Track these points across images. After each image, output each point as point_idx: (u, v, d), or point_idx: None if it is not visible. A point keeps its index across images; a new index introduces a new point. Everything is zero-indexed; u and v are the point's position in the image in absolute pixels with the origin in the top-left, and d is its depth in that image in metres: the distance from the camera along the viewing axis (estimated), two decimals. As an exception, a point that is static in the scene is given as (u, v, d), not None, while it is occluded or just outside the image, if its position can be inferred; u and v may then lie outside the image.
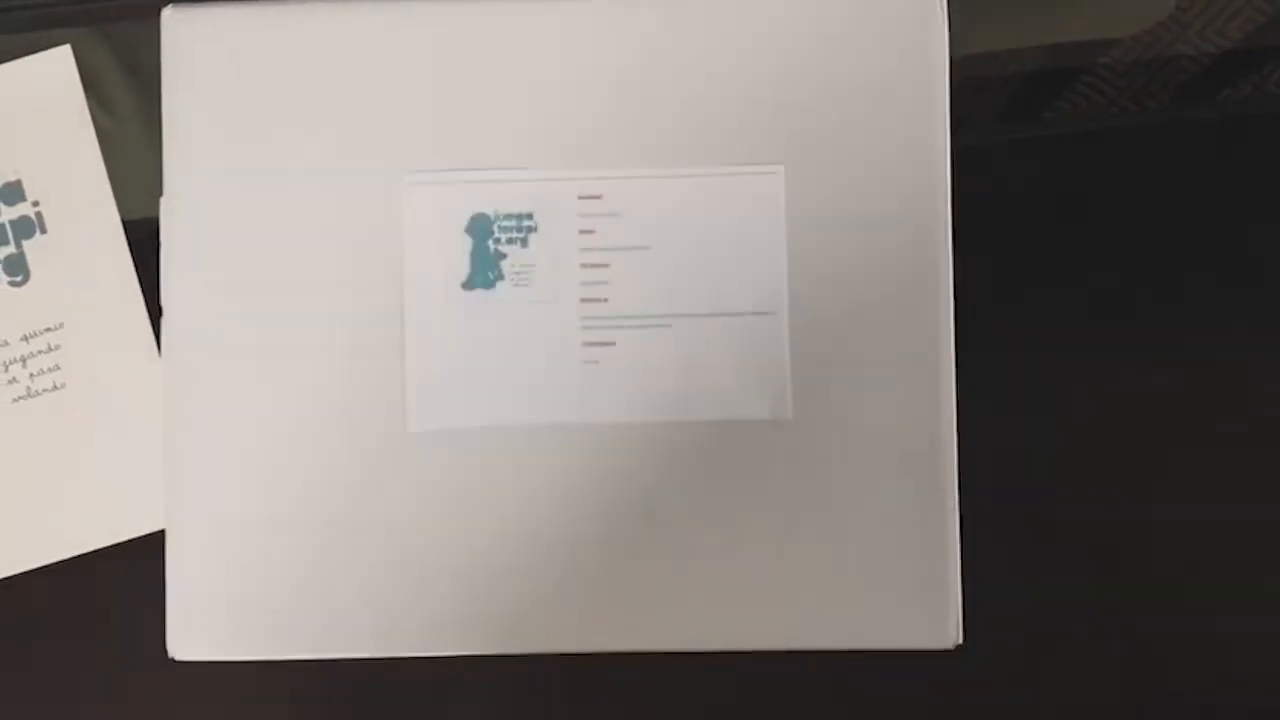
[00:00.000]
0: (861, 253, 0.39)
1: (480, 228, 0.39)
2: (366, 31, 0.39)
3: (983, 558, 0.38)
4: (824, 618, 0.39)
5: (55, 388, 0.42)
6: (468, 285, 0.39)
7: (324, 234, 0.39)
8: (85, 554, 0.42)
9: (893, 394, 0.39)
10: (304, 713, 0.42)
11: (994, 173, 0.42)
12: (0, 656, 0.43)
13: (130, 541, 0.42)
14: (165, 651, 0.39)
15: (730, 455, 0.39)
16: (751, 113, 0.39)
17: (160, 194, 0.40)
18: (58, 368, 0.42)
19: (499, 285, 0.39)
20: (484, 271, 0.39)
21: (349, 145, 0.39)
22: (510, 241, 0.39)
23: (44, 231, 0.43)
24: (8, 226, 0.43)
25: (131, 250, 0.42)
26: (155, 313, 0.40)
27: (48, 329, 0.42)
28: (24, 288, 0.43)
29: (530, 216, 0.39)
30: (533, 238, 0.39)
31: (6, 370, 0.42)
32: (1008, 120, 0.44)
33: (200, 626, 0.39)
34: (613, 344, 0.39)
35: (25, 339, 0.42)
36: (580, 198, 0.39)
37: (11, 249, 0.43)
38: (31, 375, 0.42)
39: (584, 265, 0.39)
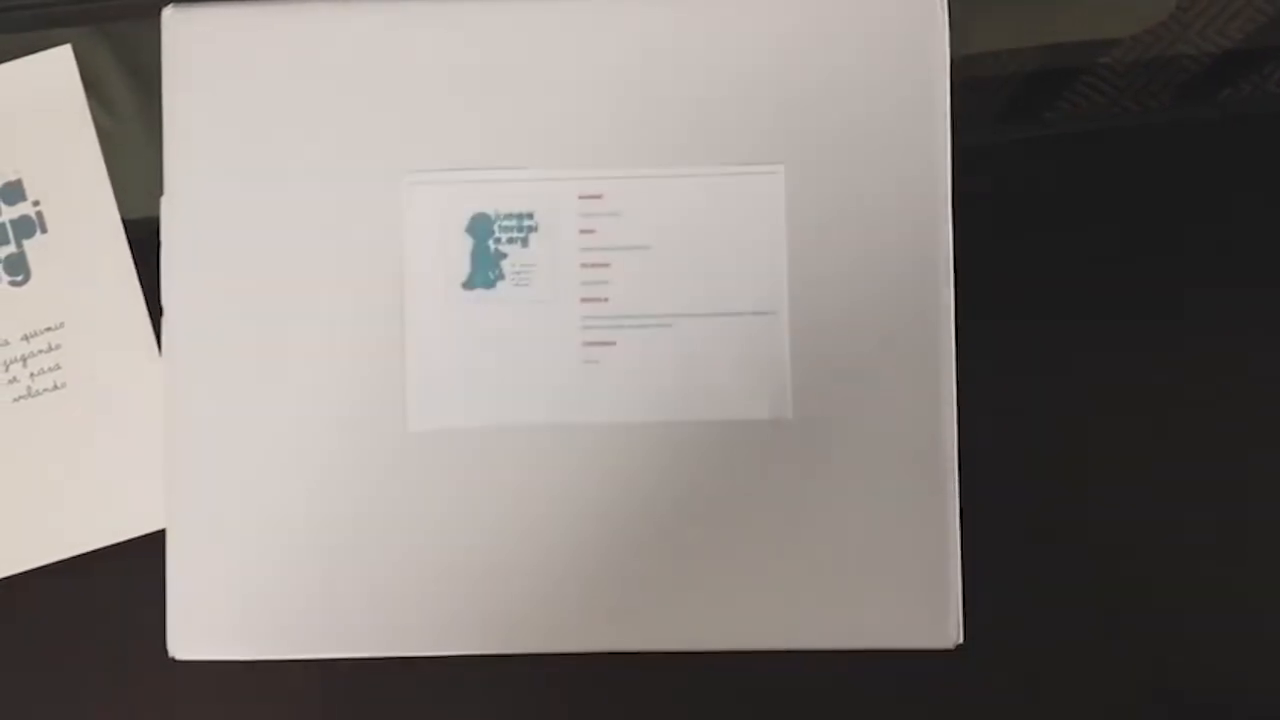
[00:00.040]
0: (861, 253, 0.39)
1: (481, 227, 0.39)
2: (367, 31, 0.39)
3: (983, 558, 0.38)
4: (824, 618, 0.39)
5: (56, 387, 0.42)
6: (468, 285, 0.39)
7: (324, 234, 0.39)
8: (85, 554, 0.42)
9: (893, 394, 0.39)
10: (304, 713, 0.42)
11: (994, 173, 0.42)
12: (0, 656, 0.43)
13: (130, 541, 0.42)
14: (165, 651, 0.39)
15: (730, 455, 0.39)
16: (752, 113, 0.39)
17: (160, 193, 0.40)
18: (58, 367, 0.42)
19: (499, 285, 0.39)
20: (484, 271, 0.39)
21: (349, 145, 0.39)
22: (511, 241, 0.39)
23: (44, 231, 0.43)
24: (8, 226, 0.43)
25: (132, 250, 0.42)
26: (156, 312, 0.40)
27: (48, 328, 0.42)
28: (24, 287, 0.43)
29: (531, 216, 0.39)
30: (533, 237, 0.39)
31: (7, 370, 0.42)
32: (1008, 120, 0.44)
33: (200, 626, 0.39)
34: (613, 344, 0.39)
35: (26, 338, 0.42)
36: (581, 197, 0.39)
37: (12, 248, 0.43)
38: (32, 375, 0.42)
39: (584, 265, 0.39)
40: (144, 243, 0.41)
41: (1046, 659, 0.42)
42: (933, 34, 0.39)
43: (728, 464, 0.39)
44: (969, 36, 0.42)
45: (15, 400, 0.42)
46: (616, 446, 0.39)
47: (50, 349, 0.42)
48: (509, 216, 0.39)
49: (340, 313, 0.39)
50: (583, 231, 0.39)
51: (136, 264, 0.42)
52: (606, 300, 0.39)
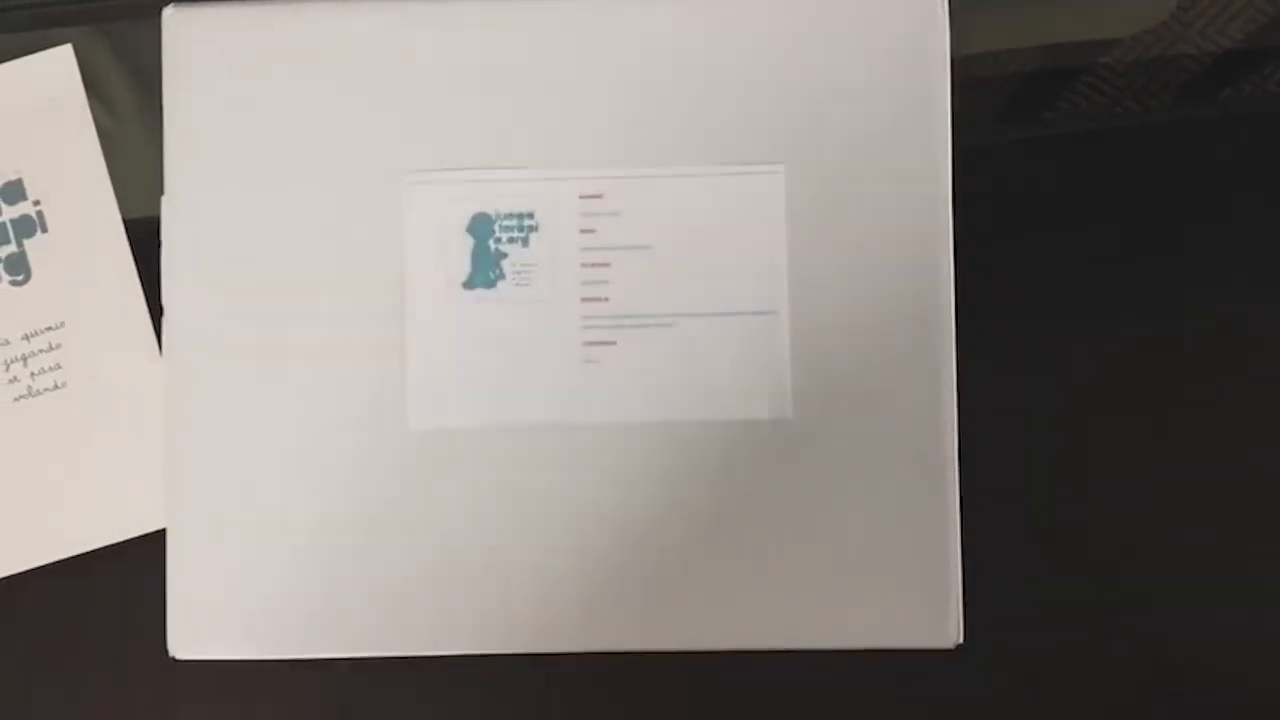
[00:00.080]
0: (862, 253, 0.39)
1: (481, 227, 0.39)
2: (367, 31, 0.39)
3: (983, 558, 0.38)
4: (824, 618, 0.39)
5: (56, 387, 0.42)
6: (469, 285, 0.39)
7: (325, 233, 0.39)
8: (85, 553, 0.42)
9: (893, 394, 0.39)
10: (304, 713, 0.42)
11: (994, 173, 0.42)
12: (0, 656, 0.43)
13: (131, 541, 0.42)
14: (166, 651, 0.39)
15: (730, 455, 0.39)
16: (752, 113, 0.39)
17: (161, 193, 0.40)
18: (59, 367, 0.42)
19: (500, 285, 0.39)
20: (485, 271, 0.39)
21: (350, 145, 0.39)
22: (511, 241, 0.39)
23: (45, 230, 0.43)
24: (9, 225, 0.43)
25: (133, 249, 0.42)
26: (156, 312, 0.40)
27: (49, 328, 0.42)
28: (25, 287, 0.43)
29: (531, 216, 0.39)
30: (534, 237, 0.39)
31: (8, 369, 0.42)
32: (1008, 120, 0.44)
33: (201, 625, 0.39)
34: (613, 343, 0.39)
35: (26, 338, 0.42)
36: (581, 197, 0.39)
37: (13, 248, 0.43)
38: (32, 374, 0.42)
39: (585, 265, 0.39)
40: (144, 242, 0.41)
41: (1046, 659, 0.42)
42: (933, 34, 0.39)
43: (728, 464, 0.39)
44: (969, 36, 0.42)
45: (16, 400, 0.42)
46: (616, 446, 0.39)
47: (51, 348, 0.42)
48: (509, 216, 0.39)
49: (341, 313, 0.39)
50: (583, 231, 0.39)
51: (137, 264, 0.42)
52: (607, 300, 0.39)
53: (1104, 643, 0.42)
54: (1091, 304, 0.43)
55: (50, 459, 0.42)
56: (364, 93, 0.39)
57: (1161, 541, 0.42)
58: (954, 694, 0.42)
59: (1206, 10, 0.44)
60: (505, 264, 0.39)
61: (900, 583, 0.38)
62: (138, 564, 0.40)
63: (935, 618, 0.38)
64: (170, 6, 0.40)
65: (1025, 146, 0.44)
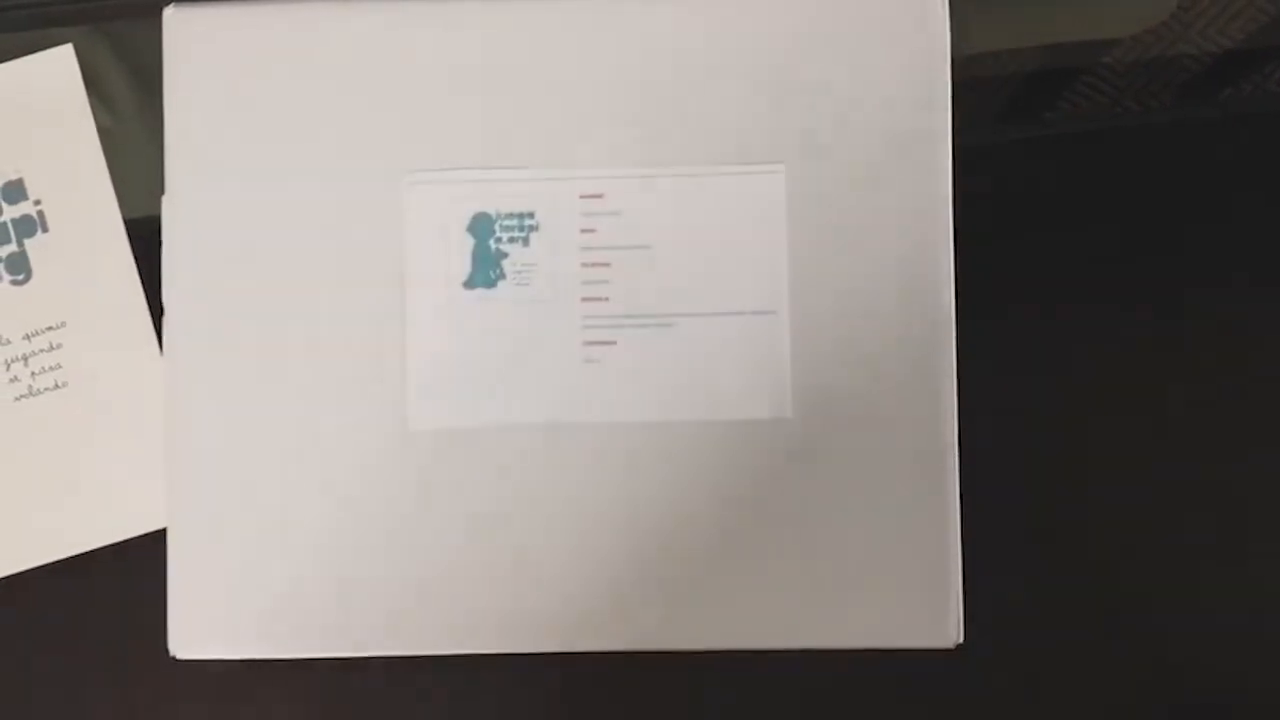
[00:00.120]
0: (862, 253, 0.39)
1: (482, 227, 0.39)
2: (367, 31, 0.39)
3: (983, 558, 0.38)
4: (824, 618, 0.39)
5: (57, 386, 0.42)
6: (469, 284, 0.39)
7: (325, 233, 0.39)
8: (86, 553, 0.42)
9: (893, 393, 0.39)
10: (304, 712, 0.42)
11: (994, 173, 0.42)
12: (0, 656, 0.43)
13: (131, 540, 0.42)
14: (166, 651, 0.39)
15: (730, 455, 0.39)
16: (752, 113, 0.39)
17: (162, 193, 0.40)
18: (59, 366, 0.42)
19: (500, 284, 0.39)
20: (485, 271, 0.39)
21: (350, 144, 0.39)
22: (512, 241, 0.39)
23: (46, 230, 0.43)
24: (9, 225, 0.43)
25: (133, 249, 0.42)
26: (157, 311, 0.40)
27: (49, 328, 0.42)
28: (26, 286, 0.43)
29: (532, 215, 0.39)
30: (534, 237, 0.39)
31: (8, 369, 0.42)
32: (1008, 120, 0.44)
33: (201, 625, 0.39)
34: (613, 343, 0.39)
35: (27, 337, 0.42)
36: (582, 197, 0.39)
37: (13, 247, 0.43)
38: (33, 374, 0.42)
39: (585, 264, 0.39)
40: (145, 242, 0.41)
41: (1046, 659, 0.42)
42: (933, 34, 0.39)
43: (727, 464, 0.39)
44: (969, 36, 0.42)
45: (16, 399, 0.42)
46: (616, 446, 0.39)
47: (51, 348, 0.42)
48: (510, 216, 0.39)
49: (341, 312, 0.39)
50: (584, 231, 0.39)
51: (137, 263, 0.42)
52: (607, 300, 0.39)
53: (1104, 643, 0.42)
54: (1091, 304, 0.43)
55: (50, 459, 0.42)
56: (364, 93, 0.39)
57: (1161, 542, 0.43)
58: (954, 694, 0.42)
59: (1206, 10, 0.44)
60: (506, 264, 0.39)
61: (900, 583, 0.38)
62: (138, 564, 0.40)
63: (935, 618, 0.38)
64: (170, 6, 0.40)
65: (1025, 146, 0.44)
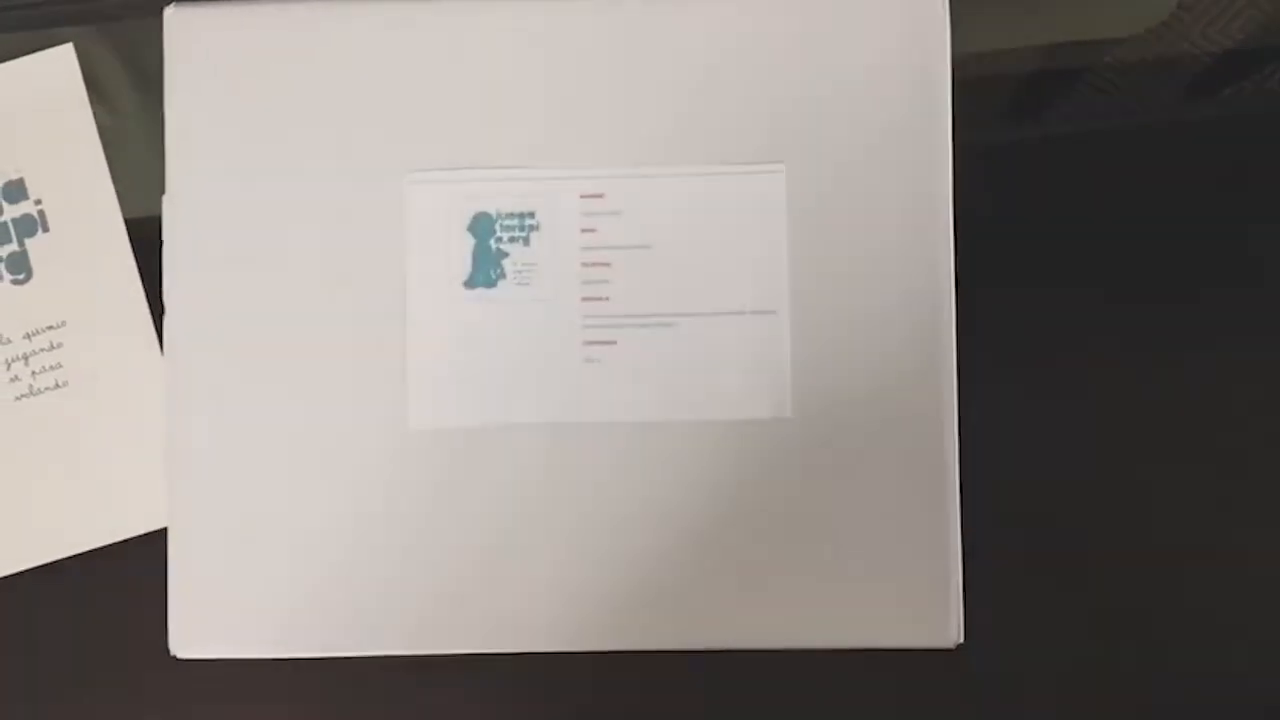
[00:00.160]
0: (862, 252, 0.39)
1: (482, 226, 0.39)
2: (368, 31, 0.39)
3: (983, 558, 0.38)
4: (824, 617, 0.39)
5: (57, 386, 0.42)
6: (469, 284, 0.39)
7: (326, 233, 0.39)
8: (87, 552, 0.42)
9: (893, 393, 0.39)
10: (305, 712, 0.43)
11: (994, 173, 0.42)
12: (0, 656, 0.43)
13: (132, 540, 0.42)
14: (167, 650, 0.39)
15: (730, 455, 0.39)
16: (752, 113, 0.39)
17: (162, 192, 0.40)
18: (60, 366, 0.42)
19: (501, 284, 0.39)
20: (486, 270, 0.39)
21: (351, 144, 0.39)
22: (512, 240, 0.39)
23: (46, 230, 0.43)
24: (10, 225, 0.43)
25: (134, 249, 0.43)
26: (157, 311, 0.40)
27: (50, 327, 0.43)
28: (26, 286, 0.43)
29: (532, 215, 0.39)
30: (534, 236, 0.39)
31: (9, 368, 0.42)
32: (1008, 120, 0.44)
33: (202, 624, 0.39)
34: (614, 343, 0.39)
35: (28, 337, 0.42)
36: (582, 196, 0.39)
37: (14, 247, 0.43)
38: (34, 373, 0.42)
39: (585, 264, 0.39)
40: (146, 241, 0.41)
41: (1046, 659, 0.42)
42: (934, 34, 0.39)
43: (727, 464, 0.39)
44: (969, 36, 0.42)
45: (17, 399, 0.42)
46: (616, 446, 0.39)
47: (52, 347, 0.42)
48: (510, 215, 0.39)
49: (341, 312, 0.39)
50: (584, 231, 0.39)
51: (138, 263, 0.42)
52: (607, 299, 0.39)
53: (1104, 643, 0.42)
54: (1091, 304, 0.43)
55: (51, 458, 0.42)
56: (364, 93, 0.39)
57: (1161, 542, 0.43)
58: (954, 694, 0.42)
59: (1207, 10, 0.44)
60: (506, 263, 0.39)
61: (900, 583, 0.38)
62: (139, 563, 0.40)
63: (935, 618, 0.38)
64: (171, 6, 0.40)
65: (1025, 146, 0.44)
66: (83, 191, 0.43)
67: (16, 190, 0.43)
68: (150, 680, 0.41)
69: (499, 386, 0.39)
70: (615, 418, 0.39)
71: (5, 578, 0.42)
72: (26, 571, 0.42)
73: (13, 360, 0.42)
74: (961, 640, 0.38)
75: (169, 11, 0.40)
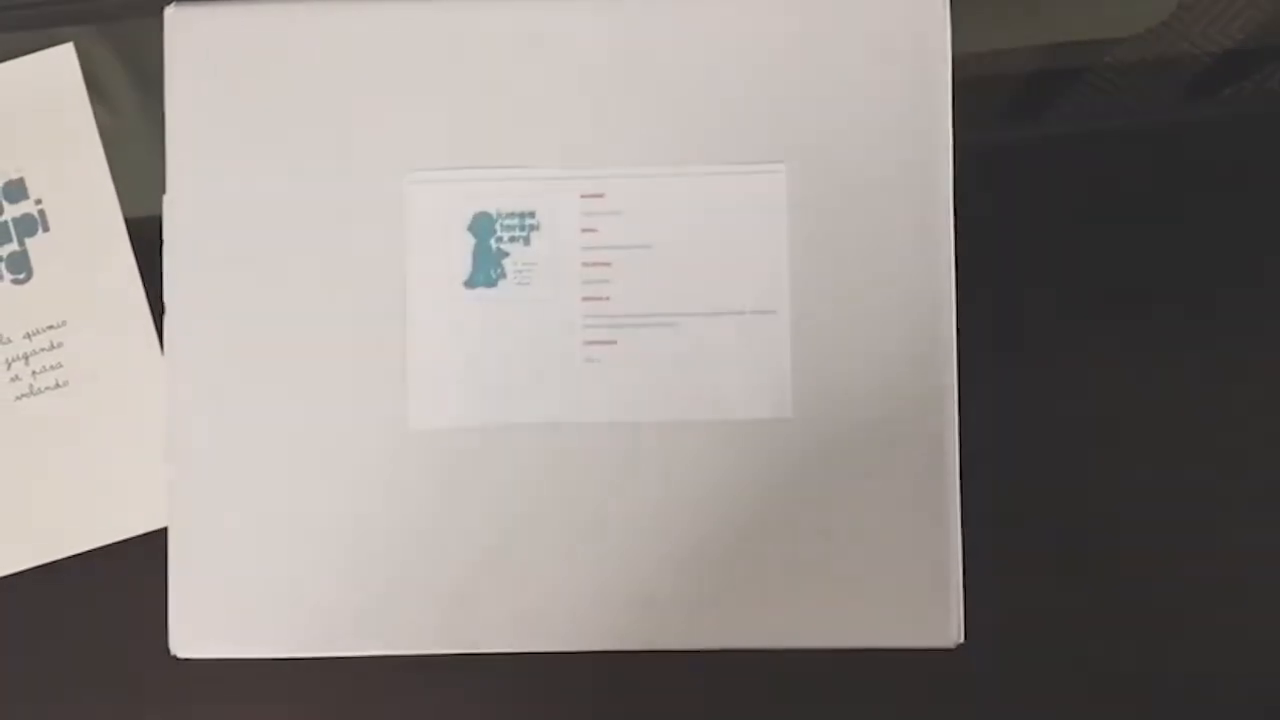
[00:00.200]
0: (862, 252, 0.39)
1: (483, 226, 0.39)
2: (369, 30, 0.39)
3: (984, 558, 0.38)
4: (824, 618, 0.39)
5: (58, 385, 0.42)
6: (470, 283, 0.39)
7: (326, 232, 0.39)
8: (87, 552, 0.42)
9: (893, 393, 0.39)
10: (305, 712, 0.43)
11: (994, 173, 0.42)
12: (0, 655, 0.43)
13: (132, 539, 0.42)
14: (167, 650, 0.39)
15: (730, 455, 0.39)
16: (753, 112, 0.39)
17: (163, 192, 0.40)
18: (60, 365, 0.42)
19: (501, 284, 0.39)
20: (486, 270, 0.39)
21: (351, 143, 0.39)
22: (513, 240, 0.39)
23: (47, 229, 0.43)
24: (11, 224, 0.43)
25: (134, 248, 0.43)
26: (158, 311, 0.40)
27: (50, 326, 0.43)
28: (27, 285, 0.43)
29: (533, 215, 0.39)
30: (535, 236, 0.39)
31: (9, 368, 0.42)
32: (1008, 120, 0.44)
33: (203, 624, 0.39)
34: (614, 343, 0.39)
35: (28, 336, 0.42)
36: (583, 196, 0.39)
37: (15, 246, 0.43)
38: (34, 373, 0.42)
39: (586, 264, 0.39)
40: (146, 241, 0.41)
41: (1046, 659, 0.42)
42: (934, 33, 0.39)
43: (727, 464, 0.39)
44: (969, 36, 0.42)
45: (17, 398, 0.42)
46: (616, 446, 0.39)
47: (52, 347, 0.42)
48: (511, 215, 0.39)
49: (341, 312, 0.39)
50: (584, 230, 0.39)
51: (139, 262, 0.42)
52: (608, 299, 0.39)
53: (1104, 643, 0.42)
54: (1091, 304, 0.43)
55: (51, 458, 0.42)
56: (364, 92, 0.39)
57: (1162, 541, 0.43)
58: (954, 694, 0.42)
59: (1207, 10, 0.44)
60: (506, 263, 0.39)
61: (900, 582, 0.38)
62: (139, 562, 0.40)
63: (935, 618, 0.38)
64: (171, 5, 0.40)
65: (1025, 146, 0.44)
66: (83, 191, 0.43)
67: (17, 190, 0.43)
68: (150, 680, 0.41)
69: (499, 386, 0.39)
70: (615, 418, 0.39)
71: (5, 578, 0.42)
72: (26, 571, 0.42)
73: (13, 360, 0.42)
74: (961, 640, 0.38)
75: (169, 11, 0.40)
